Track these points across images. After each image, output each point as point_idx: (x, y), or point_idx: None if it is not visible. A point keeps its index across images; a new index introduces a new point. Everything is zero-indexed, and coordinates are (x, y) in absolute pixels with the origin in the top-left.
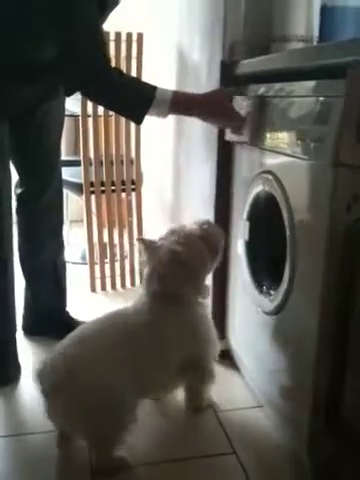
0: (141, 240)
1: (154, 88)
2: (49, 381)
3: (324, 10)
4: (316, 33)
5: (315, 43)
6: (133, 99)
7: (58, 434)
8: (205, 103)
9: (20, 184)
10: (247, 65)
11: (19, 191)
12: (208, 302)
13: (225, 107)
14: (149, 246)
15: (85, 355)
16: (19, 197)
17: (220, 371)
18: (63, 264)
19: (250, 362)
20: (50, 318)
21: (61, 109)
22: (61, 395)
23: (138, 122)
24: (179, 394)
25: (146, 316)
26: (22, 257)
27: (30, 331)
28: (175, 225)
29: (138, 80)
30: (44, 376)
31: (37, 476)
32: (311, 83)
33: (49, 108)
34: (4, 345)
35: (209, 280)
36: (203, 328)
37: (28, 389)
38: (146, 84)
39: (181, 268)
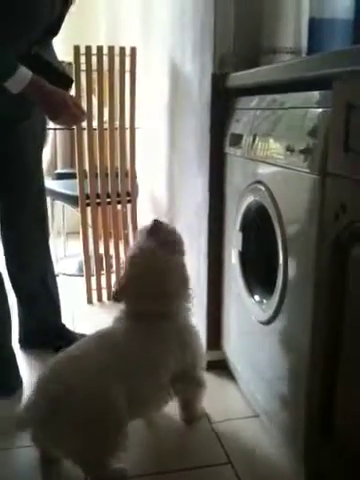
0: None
1: (16, 66)
2: (34, 410)
3: (313, 22)
4: (305, 45)
5: (304, 55)
6: None
7: (40, 458)
8: (51, 99)
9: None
10: (237, 77)
11: (1, 210)
12: (192, 309)
13: (65, 108)
14: (125, 293)
15: (73, 379)
16: (1, 214)
17: (215, 381)
18: (53, 279)
19: (245, 371)
20: (45, 332)
21: (41, 122)
22: (49, 423)
23: None
24: (173, 405)
25: (133, 334)
26: (11, 275)
27: (26, 345)
28: (130, 252)
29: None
30: (29, 407)
31: None
32: (299, 95)
33: (31, 124)
34: (2, 359)
35: (203, 291)
36: (191, 339)
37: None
38: (10, 59)
39: (168, 293)
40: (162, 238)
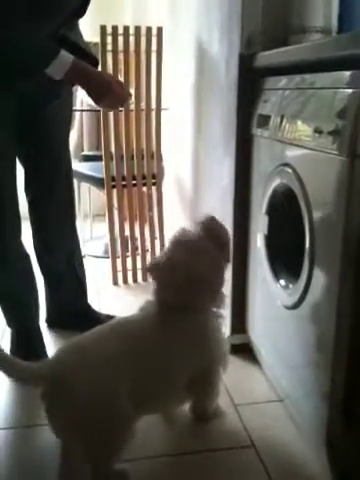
0: (148, 270)
1: (58, 50)
2: (45, 394)
3: (343, 1)
4: (335, 24)
5: (334, 34)
6: (34, 53)
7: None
8: (95, 82)
9: (28, 185)
10: (265, 57)
11: (28, 192)
12: (224, 312)
13: (110, 91)
14: (156, 270)
15: (82, 366)
16: (29, 198)
17: (240, 364)
18: (80, 260)
19: (270, 356)
20: (72, 313)
21: (69, 105)
22: (57, 408)
23: (28, 76)
24: None
25: (154, 326)
26: (38, 256)
27: (53, 324)
28: (177, 233)
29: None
30: (42, 388)
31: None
32: (329, 75)
33: (59, 104)
34: (29, 334)
35: (228, 275)
36: (214, 341)
37: None
38: (50, 43)
39: (198, 283)
40: (214, 236)
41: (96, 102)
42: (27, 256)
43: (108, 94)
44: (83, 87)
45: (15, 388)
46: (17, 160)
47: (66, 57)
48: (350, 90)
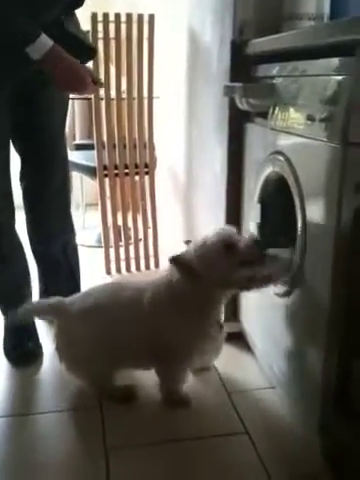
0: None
1: (40, 33)
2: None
3: None
4: (327, 11)
5: (326, 21)
6: (11, 36)
7: None
8: (67, 68)
9: (24, 174)
10: (257, 44)
11: (23, 179)
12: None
13: (79, 79)
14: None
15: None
16: (24, 187)
17: (232, 352)
18: (74, 250)
19: (262, 344)
20: None
21: (67, 95)
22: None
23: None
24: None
25: (134, 292)
26: (33, 247)
27: None
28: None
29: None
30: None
31: (54, 454)
32: (320, 62)
33: (53, 92)
34: (23, 327)
35: None
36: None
37: (46, 369)
38: (36, 26)
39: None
40: (240, 255)
41: (60, 88)
42: (20, 245)
43: (78, 88)
44: (56, 72)
45: (11, 376)
46: (13, 148)
47: (44, 41)
48: (341, 77)
